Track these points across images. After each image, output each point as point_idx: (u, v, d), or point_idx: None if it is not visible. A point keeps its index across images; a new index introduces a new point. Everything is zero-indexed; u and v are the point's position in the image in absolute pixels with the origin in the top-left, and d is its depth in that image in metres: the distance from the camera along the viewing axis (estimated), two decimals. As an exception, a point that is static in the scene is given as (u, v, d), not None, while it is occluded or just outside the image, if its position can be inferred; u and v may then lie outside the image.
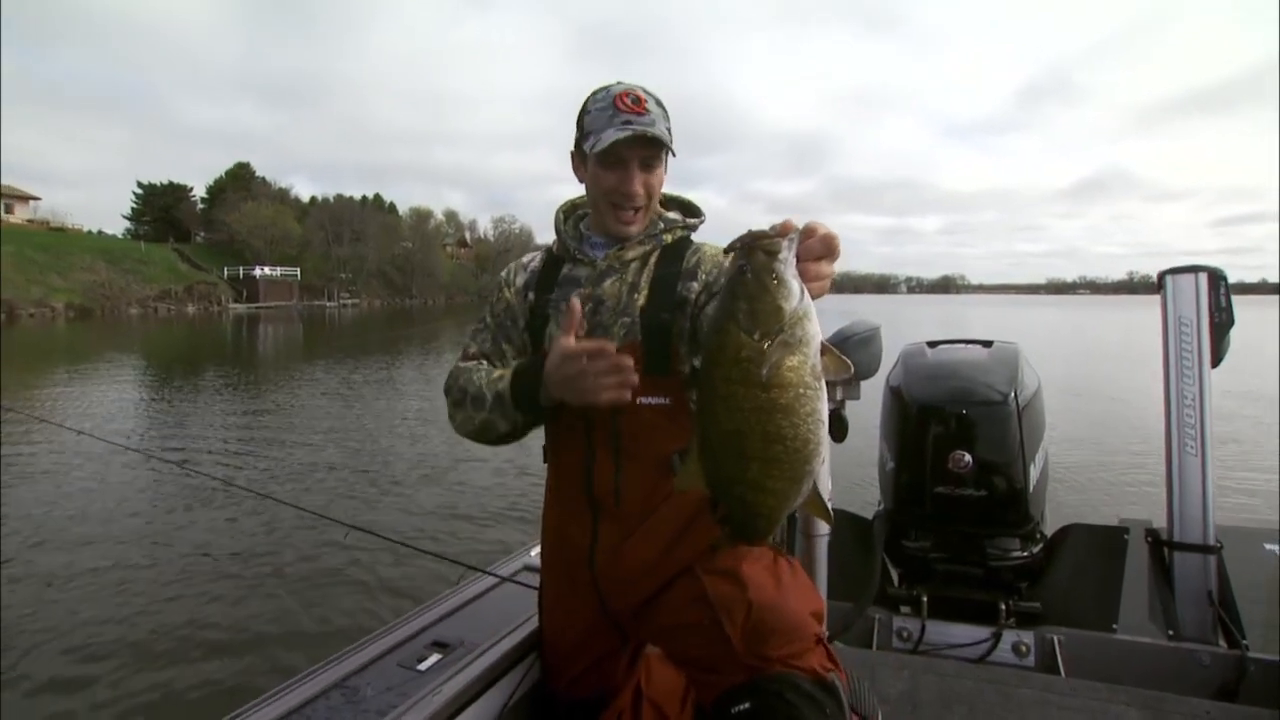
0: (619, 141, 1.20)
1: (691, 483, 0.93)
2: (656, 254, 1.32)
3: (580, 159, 1.31)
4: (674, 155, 1.29)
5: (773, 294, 0.80)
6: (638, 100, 1.23)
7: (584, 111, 1.27)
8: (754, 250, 0.82)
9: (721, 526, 0.98)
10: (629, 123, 1.21)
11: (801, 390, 0.82)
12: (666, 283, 1.27)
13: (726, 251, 0.86)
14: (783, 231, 0.83)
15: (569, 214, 1.42)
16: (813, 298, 0.84)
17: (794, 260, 0.82)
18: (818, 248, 0.87)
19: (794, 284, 0.81)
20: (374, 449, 7.81)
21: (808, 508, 0.91)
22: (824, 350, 0.84)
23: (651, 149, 1.24)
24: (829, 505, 0.93)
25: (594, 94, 1.27)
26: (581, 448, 1.29)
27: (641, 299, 1.27)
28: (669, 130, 1.26)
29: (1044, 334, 29.16)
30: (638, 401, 1.23)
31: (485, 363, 1.38)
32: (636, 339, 1.25)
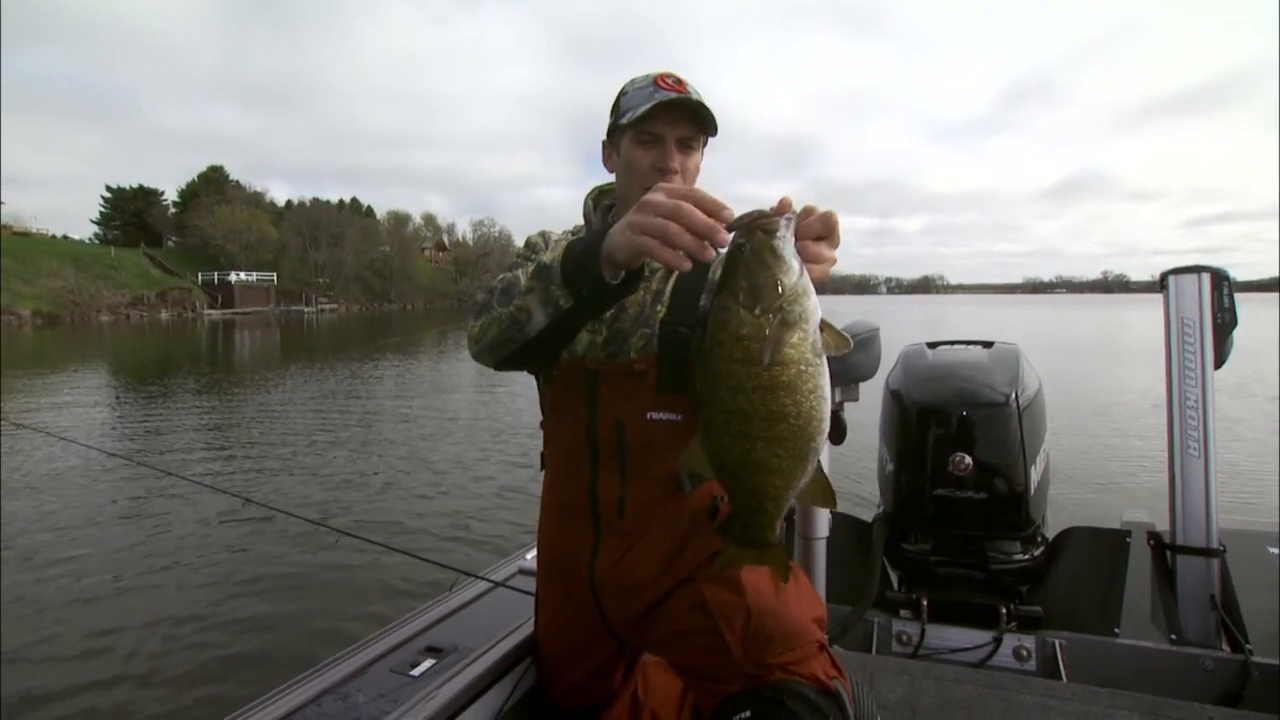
0: (657, 113, 1.16)
1: (696, 465, 0.93)
2: None
3: (613, 146, 1.27)
4: (714, 135, 1.23)
5: (772, 270, 0.81)
6: (679, 81, 1.20)
7: (621, 94, 1.24)
8: (753, 230, 0.82)
9: (726, 534, 0.95)
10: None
11: (803, 367, 0.82)
12: (689, 294, 1.23)
13: (725, 230, 0.86)
14: (780, 210, 0.83)
15: (597, 201, 1.36)
16: (813, 280, 0.84)
17: (792, 238, 0.83)
18: (816, 226, 0.86)
19: (793, 261, 0.82)
20: (362, 454, 7.70)
21: (813, 490, 0.91)
22: (823, 326, 0.84)
23: (691, 128, 1.20)
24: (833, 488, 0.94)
25: (633, 79, 1.25)
26: (587, 463, 1.25)
27: (663, 309, 1.23)
28: (712, 117, 1.21)
29: (1021, 330, 29.49)
30: (648, 417, 1.20)
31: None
32: (653, 352, 1.21)
